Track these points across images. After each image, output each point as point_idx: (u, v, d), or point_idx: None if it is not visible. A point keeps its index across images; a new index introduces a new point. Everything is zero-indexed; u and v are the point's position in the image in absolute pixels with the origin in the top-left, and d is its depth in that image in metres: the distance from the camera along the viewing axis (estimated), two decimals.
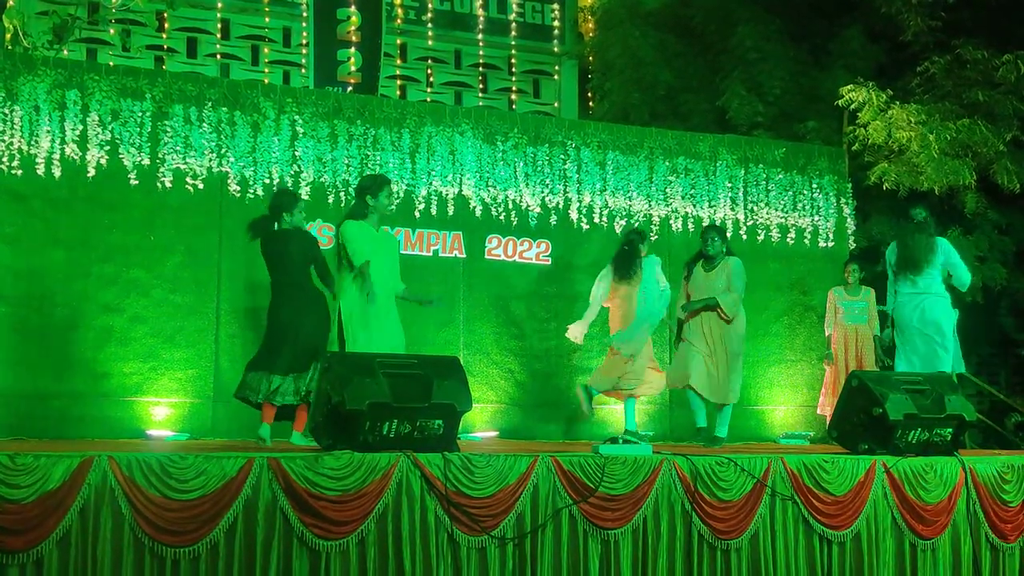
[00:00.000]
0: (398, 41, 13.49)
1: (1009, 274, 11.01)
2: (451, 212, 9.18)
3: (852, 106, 10.52)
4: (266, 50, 13.03)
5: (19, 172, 7.97)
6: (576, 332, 8.20)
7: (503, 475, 5.27)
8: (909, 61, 11.03)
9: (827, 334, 9.58)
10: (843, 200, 10.60)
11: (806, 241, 10.41)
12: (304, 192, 8.61)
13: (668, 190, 9.92)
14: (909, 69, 10.93)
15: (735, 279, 8.04)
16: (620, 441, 6.37)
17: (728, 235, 8.75)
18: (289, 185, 8.60)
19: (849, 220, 10.59)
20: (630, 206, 9.78)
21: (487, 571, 5.19)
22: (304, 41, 12.92)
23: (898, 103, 10.40)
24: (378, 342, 6.63)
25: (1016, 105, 10.37)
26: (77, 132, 8.11)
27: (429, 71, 13.72)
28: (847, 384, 6.76)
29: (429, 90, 13.62)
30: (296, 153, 8.68)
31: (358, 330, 6.64)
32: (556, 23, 14.27)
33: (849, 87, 10.48)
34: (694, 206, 10.01)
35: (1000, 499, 6.41)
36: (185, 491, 4.68)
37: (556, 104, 14.26)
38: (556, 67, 14.34)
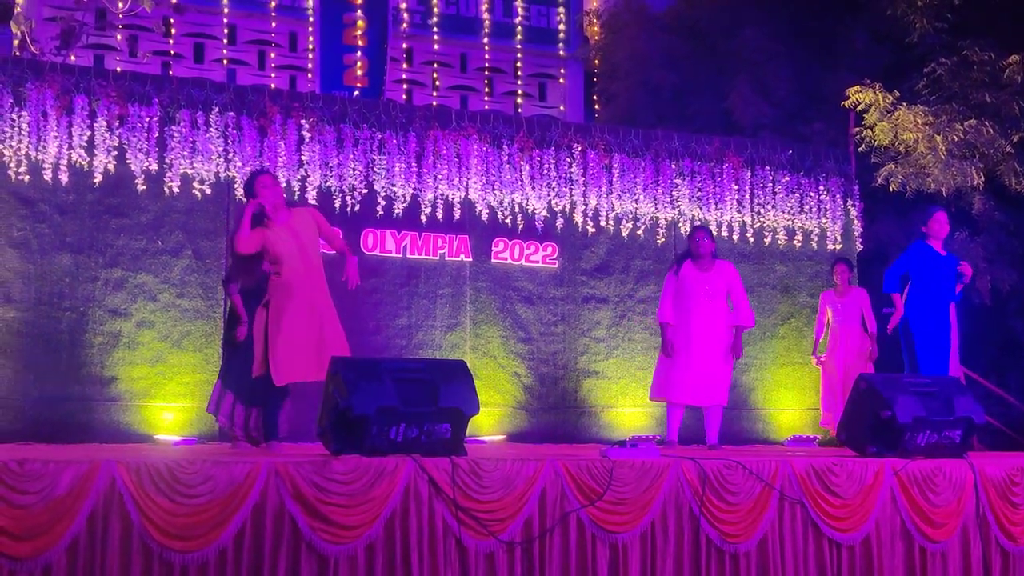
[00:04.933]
0: (404, 45, 13.52)
1: (1018, 276, 10.98)
2: (457, 215, 9.18)
3: (858, 107, 10.50)
4: (272, 55, 13.07)
5: (26, 177, 7.98)
6: None
7: (511, 480, 5.26)
8: (915, 62, 11.01)
9: (818, 337, 9.61)
10: (850, 202, 10.57)
11: (813, 243, 10.39)
12: (311, 196, 8.62)
13: (674, 192, 9.90)
14: (915, 70, 10.91)
15: (737, 285, 8.24)
16: (628, 445, 6.36)
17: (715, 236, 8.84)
18: (296, 190, 8.60)
19: (856, 222, 10.57)
20: (636, 209, 9.77)
21: None
22: (310, 46, 12.94)
23: (904, 104, 10.39)
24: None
25: (1023, 106, 10.35)
26: (84, 137, 8.11)
27: (435, 75, 13.74)
28: (855, 387, 6.75)
29: (435, 94, 13.65)
30: (303, 157, 8.68)
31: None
32: (562, 26, 14.29)
33: (855, 88, 10.46)
34: (700, 208, 9.99)
35: (1010, 502, 6.38)
36: (193, 496, 4.68)
37: (562, 107, 14.27)
38: (562, 70, 14.35)
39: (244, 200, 6.66)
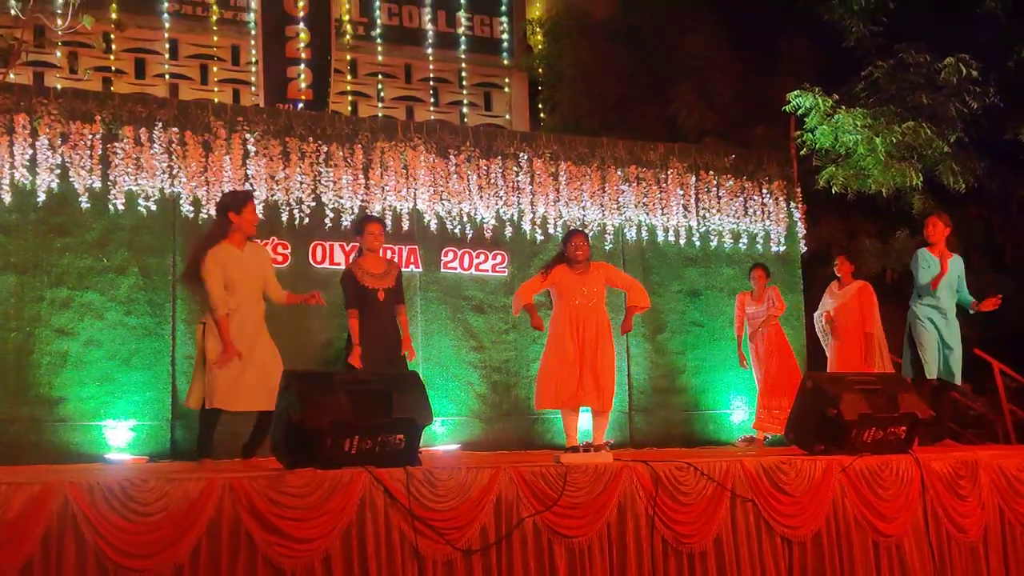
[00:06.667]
0: (348, 57, 13.50)
1: None
2: (406, 226, 9.20)
3: (799, 111, 10.66)
4: (215, 69, 12.99)
5: None
6: None
7: (466, 488, 5.29)
8: (853, 66, 11.21)
9: (738, 335, 9.77)
10: (793, 204, 10.74)
11: (758, 246, 10.54)
12: (258, 210, 8.56)
13: (621, 199, 9.99)
14: (853, 74, 11.10)
15: (616, 275, 7.65)
16: (581, 450, 6.41)
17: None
18: None
19: (799, 224, 10.74)
20: (583, 216, 9.84)
21: None
22: (253, 59, 12.88)
23: (844, 108, 10.56)
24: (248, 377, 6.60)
25: (959, 107, 10.57)
26: (26, 156, 8.02)
27: (380, 86, 13.74)
28: (802, 386, 6.86)
29: (380, 105, 13.64)
30: (248, 172, 8.65)
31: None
32: (505, 36, 14.35)
33: (795, 93, 10.63)
34: (647, 214, 10.10)
35: (957, 495, 6.52)
36: (148, 514, 4.65)
37: (507, 116, 14.33)
38: (506, 79, 14.41)
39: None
